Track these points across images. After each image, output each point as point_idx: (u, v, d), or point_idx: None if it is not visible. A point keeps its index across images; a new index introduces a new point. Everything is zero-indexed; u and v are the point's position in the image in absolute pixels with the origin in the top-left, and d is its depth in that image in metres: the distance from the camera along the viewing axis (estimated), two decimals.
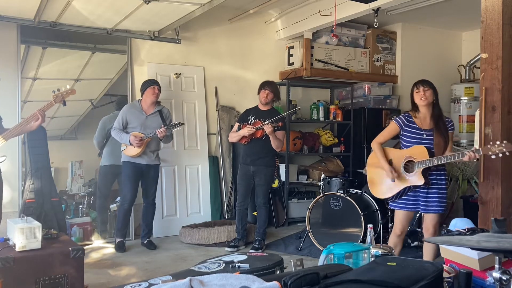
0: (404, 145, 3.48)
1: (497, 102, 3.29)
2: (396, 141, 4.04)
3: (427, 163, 3.27)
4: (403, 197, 3.45)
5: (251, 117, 4.78)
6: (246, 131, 4.61)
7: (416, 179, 3.33)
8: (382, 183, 3.52)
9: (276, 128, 4.55)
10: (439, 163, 3.25)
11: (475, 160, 3.15)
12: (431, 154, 3.31)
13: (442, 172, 3.42)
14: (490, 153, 3.02)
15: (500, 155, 2.98)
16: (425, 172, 3.32)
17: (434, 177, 3.39)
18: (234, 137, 4.83)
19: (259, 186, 4.79)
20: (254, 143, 4.71)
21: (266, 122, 4.52)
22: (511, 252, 1.68)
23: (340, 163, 6.36)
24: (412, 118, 3.46)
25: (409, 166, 3.39)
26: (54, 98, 3.64)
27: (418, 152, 3.34)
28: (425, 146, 3.34)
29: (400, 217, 3.52)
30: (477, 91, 6.22)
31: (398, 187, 3.42)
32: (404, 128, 3.46)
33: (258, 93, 4.83)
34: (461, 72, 6.71)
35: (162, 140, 4.74)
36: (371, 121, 6.38)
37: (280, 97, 5.09)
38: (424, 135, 3.40)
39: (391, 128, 3.54)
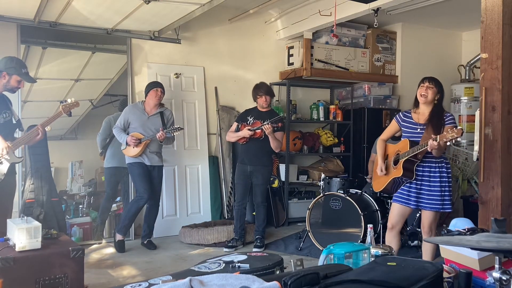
0: None
1: (497, 102, 3.30)
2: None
3: (405, 155, 3.32)
4: (398, 191, 3.49)
5: (250, 118, 4.80)
6: (246, 133, 4.64)
7: (397, 171, 3.39)
8: (376, 177, 3.67)
9: (275, 128, 4.57)
10: (412, 154, 3.27)
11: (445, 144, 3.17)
12: (413, 146, 3.33)
13: (435, 165, 3.35)
14: (445, 139, 3.06)
15: (453, 141, 3.06)
16: (409, 165, 3.33)
17: (427, 173, 3.36)
18: (232, 137, 4.86)
19: (257, 186, 4.81)
20: (251, 143, 4.73)
21: (265, 122, 4.54)
22: (511, 252, 1.68)
23: (340, 163, 6.36)
24: (410, 114, 3.50)
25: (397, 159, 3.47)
26: (63, 108, 3.86)
27: (403, 145, 3.40)
28: (412, 139, 3.35)
29: (393, 210, 3.53)
30: (477, 91, 6.22)
31: (385, 180, 3.51)
32: (401, 123, 3.52)
33: (255, 99, 4.85)
34: (461, 72, 6.71)
35: (163, 142, 4.75)
36: (371, 121, 6.38)
37: (274, 93, 5.07)
38: (418, 129, 3.40)
39: (392, 125, 3.64)
